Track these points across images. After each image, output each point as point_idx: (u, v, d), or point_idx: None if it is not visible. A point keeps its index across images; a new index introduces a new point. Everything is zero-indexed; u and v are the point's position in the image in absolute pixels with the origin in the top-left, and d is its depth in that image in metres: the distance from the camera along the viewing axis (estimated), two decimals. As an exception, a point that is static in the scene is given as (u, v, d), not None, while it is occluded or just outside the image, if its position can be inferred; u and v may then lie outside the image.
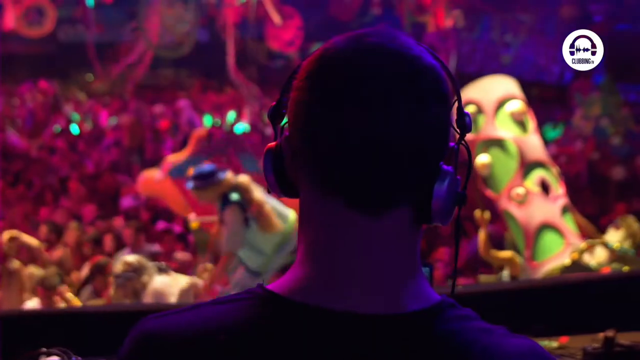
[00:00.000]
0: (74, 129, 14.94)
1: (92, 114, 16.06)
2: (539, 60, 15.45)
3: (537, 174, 6.07)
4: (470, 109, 6.26)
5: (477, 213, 6.16)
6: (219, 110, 15.90)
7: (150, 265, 5.12)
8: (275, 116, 1.17)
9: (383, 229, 1.06)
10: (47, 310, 3.98)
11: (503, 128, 6.18)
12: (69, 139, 13.67)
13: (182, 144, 11.09)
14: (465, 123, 1.14)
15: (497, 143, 6.17)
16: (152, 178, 8.73)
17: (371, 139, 1.03)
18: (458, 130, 1.15)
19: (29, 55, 18.43)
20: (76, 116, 15.87)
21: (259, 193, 6.13)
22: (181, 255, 7.32)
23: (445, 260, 7.15)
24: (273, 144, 1.15)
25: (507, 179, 6.11)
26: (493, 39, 15.92)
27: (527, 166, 6.09)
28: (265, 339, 1.02)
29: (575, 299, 3.69)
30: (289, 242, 6.31)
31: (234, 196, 6.13)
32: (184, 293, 5.00)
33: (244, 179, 6.24)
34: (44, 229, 7.87)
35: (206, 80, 18.97)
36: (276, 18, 13.45)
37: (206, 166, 6.45)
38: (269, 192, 1.17)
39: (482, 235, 6.00)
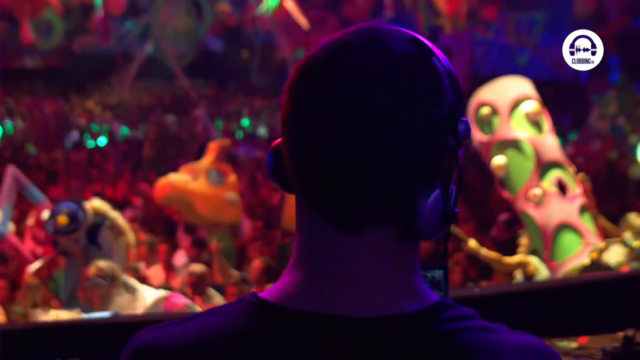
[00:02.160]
0: (91, 142, 15.02)
1: (108, 125, 16.14)
2: (554, 61, 15.40)
3: (554, 174, 6.04)
4: (485, 110, 6.24)
5: (464, 245, 6.10)
6: (235, 118, 15.95)
7: (122, 277, 5.08)
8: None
9: (366, 243, 1.03)
10: (52, 322, 3.98)
11: (518, 129, 6.15)
12: (86, 152, 13.73)
13: (198, 153, 11.11)
14: (459, 132, 1.04)
15: (513, 144, 6.14)
16: (174, 182, 8.67)
17: (345, 156, 0.99)
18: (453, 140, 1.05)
19: (45, 68, 18.57)
20: (96, 127, 15.97)
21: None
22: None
23: (462, 264, 7.12)
24: (277, 141, 1.12)
25: (523, 180, 6.08)
26: (508, 40, 15.88)
27: (543, 166, 6.05)
28: (260, 347, 1.01)
29: (594, 299, 3.66)
30: None
31: (101, 219, 5.92)
32: (149, 310, 4.93)
33: (96, 202, 6.03)
34: None
35: (221, 88, 19.05)
36: (303, 22, 13.46)
37: (66, 206, 5.89)
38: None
39: (487, 254, 6.01)
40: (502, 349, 1.03)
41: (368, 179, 0.99)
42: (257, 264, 7.00)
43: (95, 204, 5.93)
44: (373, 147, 0.98)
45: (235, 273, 7.16)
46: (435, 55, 1.04)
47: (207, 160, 8.96)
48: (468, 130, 1.05)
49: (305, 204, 1.06)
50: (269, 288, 1.07)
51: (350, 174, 0.99)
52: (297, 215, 1.08)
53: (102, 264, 5.07)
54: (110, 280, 4.95)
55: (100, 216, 5.81)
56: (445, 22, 13.71)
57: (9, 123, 15.20)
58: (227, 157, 9.35)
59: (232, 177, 8.96)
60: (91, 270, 5.03)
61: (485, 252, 6.04)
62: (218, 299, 6.74)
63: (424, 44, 1.05)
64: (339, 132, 0.99)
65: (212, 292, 6.75)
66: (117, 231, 5.83)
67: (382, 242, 1.03)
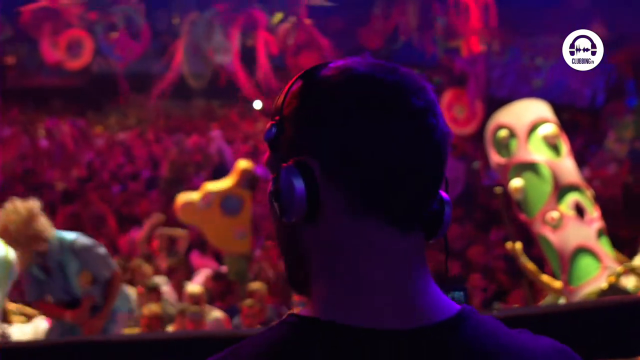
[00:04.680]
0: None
1: (125, 146, 16.22)
2: (570, 84, 15.39)
3: (572, 198, 6.02)
4: (503, 133, 6.24)
5: (509, 245, 6.16)
6: (253, 139, 15.99)
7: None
8: (277, 139, 1.15)
9: (409, 245, 1.11)
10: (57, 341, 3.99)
11: (536, 152, 6.15)
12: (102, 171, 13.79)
13: (212, 175, 11.14)
14: None
15: (530, 167, 6.14)
16: (195, 206, 8.68)
17: (408, 166, 1.08)
18: None
19: (63, 87, 18.69)
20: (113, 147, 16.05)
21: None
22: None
23: (479, 286, 7.12)
24: (288, 165, 1.12)
25: (541, 203, 6.06)
26: (524, 63, 15.89)
27: (561, 190, 6.04)
28: None
29: (612, 323, 3.64)
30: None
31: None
32: None
33: None
34: None
35: (238, 110, 19.09)
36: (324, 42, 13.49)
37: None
38: (281, 217, 1.13)
39: (529, 265, 6.05)
40: (531, 352, 1.09)
41: (421, 186, 1.11)
42: (260, 290, 7.04)
43: None
44: (428, 161, 1.12)
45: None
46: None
47: (228, 183, 8.89)
48: None
49: (354, 215, 1.10)
50: (307, 306, 1.10)
51: (411, 181, 1.10)
52: (329, 233, 1.11)
53: None
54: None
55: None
56: (461, 44, 13.73)
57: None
58: (250, 182, 9.22)
59: (247, 209, 8.85)
60: None
61: (529, 264, 6.08)
62: (216, 314, 6.78)
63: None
64: (404, 148, 1.09)
65: (208, 308, 6.80)
66: None
67: (418, 243, 1.13)
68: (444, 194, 1.17)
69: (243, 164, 9.14)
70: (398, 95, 1.10)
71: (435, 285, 1.12)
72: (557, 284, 6.05)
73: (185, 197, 8.89)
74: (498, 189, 6.41)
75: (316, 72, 1.13)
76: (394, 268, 1.09)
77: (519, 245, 6.12)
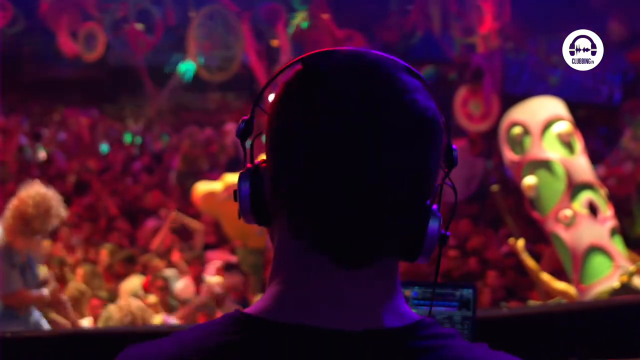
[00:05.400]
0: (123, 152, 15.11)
1: (141, 137, 16.25)
2: (587, 82, 15.32)
3: (585, 196, 6.01)
4: (517, 130, 6.23)
5: (511, 241, 6.15)
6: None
7: None
8: (245, 135, 1.13)
9: (364, 276, 1.04)
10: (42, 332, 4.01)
11: (550, 149, 6.13)
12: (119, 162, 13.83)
13: (227, 167, 11.15)
14: (453, 159, 1.10)
15: (544, 164, 6.12)
16: (217, 196, 8.68)
17: (349, 192, 0.98)
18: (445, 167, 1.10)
19: (80, 79, 18.75)
20: (128, 137, 16.08)
21: None
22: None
23: (492, 285, 7.09)
24: (250, 165, 1.10)
25: (554, 201, 6.05)
26: (540, 60, 15.82)
27: (574, 188, 6.02)
28: (239, 358, 1.01)
29: (623, 322, 3.63)
30: None
31: None
32: None
33: None
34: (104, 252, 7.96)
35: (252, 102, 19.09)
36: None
37: None
38: (239, 217, 1.12)
39: (529, 263, 6.02)
40: None
41: (372, 215, 1.00)
42: None
43: None
44: (377, 182, 0.99)
45: None
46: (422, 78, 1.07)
47: None
48: (457, 157, 1.12)
49: (291, 231, 1.05)
50: (253, 304, 1.07)
51: (353, 211, 0.99)
52: (276, 237, 1.09)
53: None
54: None
55: None
56: (478, 40, 13.67)
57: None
58: None
59: None
60: None
61: (531, 263, 6.07)
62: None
63: (409, 68, 1.07)
64: (339, 167, 0.98)
65: (230, 305, 6.79)
66: None
67: (380, 272, 1.05)
68: (433, 207, 1.05)
69: (260, 157, 9.19)
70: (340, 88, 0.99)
71: (399, 295, 1.06)
72: (559, 283, 6.03)
73: (207, 186, 8.89)
74: (494, 187, 6.40)
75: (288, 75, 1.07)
76: (340, 288, 1.03)
77: (521, 243, 6.11)
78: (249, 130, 1.13)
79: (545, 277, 6.06)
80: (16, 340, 2.79)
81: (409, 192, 1.01)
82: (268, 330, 1.02)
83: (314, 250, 1.02)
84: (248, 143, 1.15)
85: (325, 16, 13.64)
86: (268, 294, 1.06)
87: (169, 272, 7.58)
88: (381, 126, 0.98)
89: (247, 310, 1.06)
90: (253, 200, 1.09)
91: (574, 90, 15.89)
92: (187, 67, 14.85)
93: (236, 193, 1.10)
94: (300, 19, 13.71)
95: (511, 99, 8.54)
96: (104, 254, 7.88)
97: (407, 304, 1.08)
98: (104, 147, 15.04)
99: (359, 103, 0.98)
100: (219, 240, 9.05)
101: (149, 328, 4.46)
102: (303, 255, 1.03)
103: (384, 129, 0.98)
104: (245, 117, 1.13)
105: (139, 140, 16.05)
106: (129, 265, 7.60)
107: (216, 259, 8.45)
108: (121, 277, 7.43)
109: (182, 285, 7.42)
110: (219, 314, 6.52)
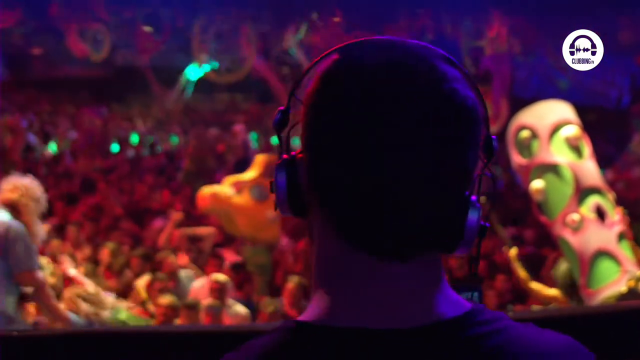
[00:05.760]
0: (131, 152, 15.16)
1: (150, 137, 16.28)
2: (596, 85, 15.30)
3: (593, 200, 5.98)
4: (525, 134, 6.21)
5: (505, 250, 6.16)
6: (273, 133, 15.96)
7: None
8: (282, 125, 1.11)
9: (410, 270, 1.03)
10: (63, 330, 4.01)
11: (558, 153, 6.11)
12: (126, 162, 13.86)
13: (236, 167, 11.15)
14: (493, 149, 1.08)
15: (552, 168, 6.10)
16: (225, 193, 8.69)
17: (388, 184, 0.97)
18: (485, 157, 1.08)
19: (88, 79, 18.82)
20: (136, 138, 16.11)
21: None
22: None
23: (499, 289, 7.09)
24: (287, 156, 1.08)
25: (562, 205, 6.03)
26: (550, 64, 15.80)
27: (582, 192, 6.00)
28: None
29: (630, 327, 3.62)
30: None
31: None
32: None
33: None
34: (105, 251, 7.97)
35: (261, 104, 19.13)
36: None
37: None
38: (275, 209, 1.11)
39: (520, 272, 6.04)
40: (542, 347, 1.05)
41: (414, 210, 0.99)
42: (290, 285, 6.99)
43: None
44: (420, 178, 0.98)
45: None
46: (463, 71, 1.07)
47: (252, 174, 8.93)
48: (497, 146, 1.10)
49: (330, 224, 1.02)
50: (304, 313, 1.05)
51: (395, 206, 0.98)
52: (315, 232, 1.06)
53: None
54: None
55: None
56: (486, 44, 13.68)
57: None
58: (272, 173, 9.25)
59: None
60: None
61: (521, 271, 6.07)
62: (238, 308, 6.77)
63: (452, 60, 1.08)
64: (383, 162, 0.97)
65: (231, 302, 6.78)
66: None
67: (425, 265, 1.04)
68: (473, 198, 1.04)
69: (262, 156, 9.21)
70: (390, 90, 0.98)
71: (445, 284, 1.06)
72: (550, 291, 6.04)
73: (212, 188, 8.93)
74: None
75: (324, 60, 1.05)
76: (389, 287, 1.02)
77: (513, 251, 6.12)
78: (285, 121, 1.11)
79: (535, 285, 6.07)
80: (22, 339, 2.79)
81: (448, 182, 1.00)
82: (326, 336, 1.00)
83: (356, 247, 1.01)
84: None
85: (336, 19, 13.66)
86: (319, 299, 1.04)
87: (184, 273, 7.59)
88: (421, 116, 0.97)
89: (301, 318, 1.04)
90: (290, 191, 1.07)
91: (582, 94, 15.87)
92: (194, 70, 14.89)
93: (272, 184, 1.09)
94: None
95: (520, 102, 8.53)
96: (106, 252, 7.89)
97: None
98: (115, 147, 15.08)
99: (397, 94, 0.98)
100: (224, 239, 9.06)
101: (149, 328, 4.46)
102: (346, 254, 1.02)
103: (424, 119, 0.97)
104: (282, 108, 1.12)
105: (150, 139, 16.09)
106: (145, 263, 7.62)
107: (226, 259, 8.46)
108: (121, 276, 7.45)
109: (198, 285, 7.40)
110: (225, 314, 6.51)
